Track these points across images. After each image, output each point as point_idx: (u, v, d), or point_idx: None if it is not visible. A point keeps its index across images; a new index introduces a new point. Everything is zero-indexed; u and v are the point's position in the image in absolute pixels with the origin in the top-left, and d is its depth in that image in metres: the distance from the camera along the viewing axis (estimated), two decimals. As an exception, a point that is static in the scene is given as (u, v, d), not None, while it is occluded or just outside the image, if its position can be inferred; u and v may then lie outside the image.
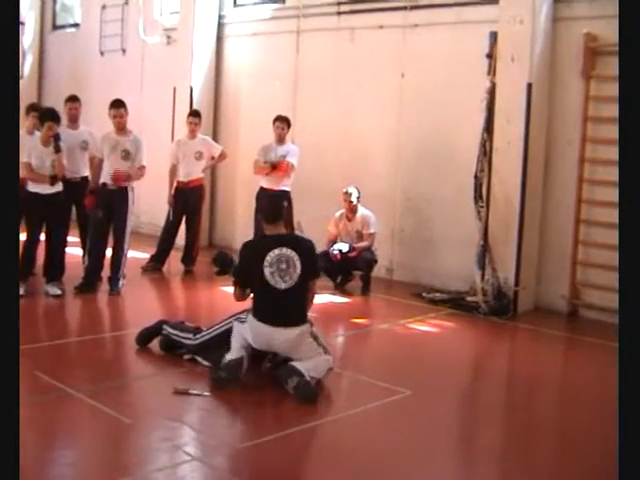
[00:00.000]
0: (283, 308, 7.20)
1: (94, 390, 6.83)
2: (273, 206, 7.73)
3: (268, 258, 7.16)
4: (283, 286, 7.16)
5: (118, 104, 11.06)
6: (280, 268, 7.16)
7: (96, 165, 11.01)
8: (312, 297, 7.59)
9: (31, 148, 10.18)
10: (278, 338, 7.17)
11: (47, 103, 17.68)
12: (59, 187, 10.35)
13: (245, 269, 7.42)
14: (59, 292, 10.48)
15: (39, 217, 10.30)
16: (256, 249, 7.43)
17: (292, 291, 7.21)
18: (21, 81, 18.97)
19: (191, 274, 12.53)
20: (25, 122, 11.11)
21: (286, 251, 7.23)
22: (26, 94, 18.90)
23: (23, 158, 10.10)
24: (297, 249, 7.29)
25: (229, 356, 7.16)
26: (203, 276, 12.36)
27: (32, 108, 11.43)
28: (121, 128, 11.00)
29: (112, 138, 10.96)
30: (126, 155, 10.82)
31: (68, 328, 9.97)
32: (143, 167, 11.04)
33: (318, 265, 7.71)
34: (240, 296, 7.51)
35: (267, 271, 7.13)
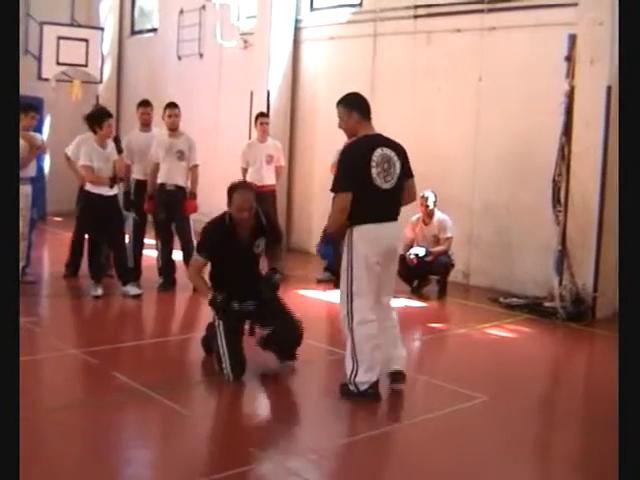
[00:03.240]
0: (387, 206, 6.98)
1: (170, 390, 6.89)
2: (364, 101, 7.25)
3: (374, 157, 6.84)
4: (385, 186, 6.87)
5: (173, 105, 11.35)
6: (384, 168, 6.86)
7: (153, 170, 11.17)
8: (413, 196, 7.37)
9: (91, 151, 10.34)
10: (393, 232, 7.11)
11: (125, 107, 18.05)
12: (116, 190, 10.57)
13: (353, 170, 6.91)
14: (139, 291, 10.64)
15: (100, 218, 10.46)
16: (361, 148, 6.99)
17: (392, 192, 6.96)
18: (100, 86, 19.34)
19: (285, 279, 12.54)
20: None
21: (387, 151, 6.96)
22: (105, 98, 19.26)
23: (84, 161, 10.33)
24: (395, 149, 7.07)
25: (365, 376, 6.82)
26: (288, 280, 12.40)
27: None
28: (175, 128, 11.17)
29: (165, 141, 11.12)
30: (181, 156, 11.02)
31: (145, 329, 10.11)
32: (196, 166, 11.19)
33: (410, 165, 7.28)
34: (345, 206, 6.78)
35: (374, 171, 6.80)
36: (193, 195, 11.08)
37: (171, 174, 11.02)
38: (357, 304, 6.79)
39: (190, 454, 5.77)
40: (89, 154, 10.36)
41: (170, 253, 11.33)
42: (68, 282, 11.49)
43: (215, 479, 5.33)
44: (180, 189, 11.10)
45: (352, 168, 6.89)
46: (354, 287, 6.79)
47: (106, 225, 10.50)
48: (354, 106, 7.08)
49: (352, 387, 6.80)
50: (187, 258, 11.06)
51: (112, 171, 10.42)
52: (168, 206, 11.01)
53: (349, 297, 6.82)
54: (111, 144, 10.51)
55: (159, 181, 11.12)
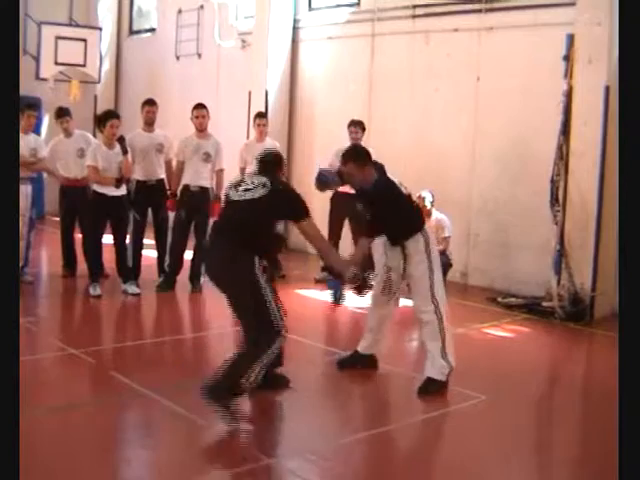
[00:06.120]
0: None
1: (169, 391, 6.88)
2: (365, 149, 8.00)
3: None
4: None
5: (201, 105, 11.30)
6: None
7: (177, 169, 11.18)
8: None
9: (97, 151, 10.37)
10: None
11: (124, 107, 18.04)
12: (123, 190, 10.55)
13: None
14: (138, 291, 10.66)
15: (104, 217, 10.48)
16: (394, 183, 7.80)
17: None
18: (98, 86, 19.35)
19: (284, 279, 12.53)
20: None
21: None
22: (103, 98, 19.31)
23: (89, 161, 10.36)
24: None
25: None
26: (290, 281, 12.39)
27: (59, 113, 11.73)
28: (203, 129, 11.13)
29: (193, 141, 11.12)
30: (207, 158, 11.00)
31: (144, 329, 10.10)
32: (222, 170, 11.19)
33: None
34: None
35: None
36: (218, 198, 11.02)
37: (196, 175, 11.02)
38: (440, 294, 7.32)
39: (189, 454, 5.77)
40: (94, 154, 10.40)
41: (182, 253, 11.25)
42: (66, 282, 11.49)
43: (211, 478, 5.35)
44: (204, 190, 11.11)
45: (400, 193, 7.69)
46: (436, 278, 7.30)
47: (110, 224, 10.57)
48: (366, 160, 7.57)
49: (446, 369, 7.21)
50: (198, 256, 11.06)
51: (118, 172, 10.41)
52: (190, 207, 10.99)
53: (433, 289, 7.23)
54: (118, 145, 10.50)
55: (183, 182, 11.13)
